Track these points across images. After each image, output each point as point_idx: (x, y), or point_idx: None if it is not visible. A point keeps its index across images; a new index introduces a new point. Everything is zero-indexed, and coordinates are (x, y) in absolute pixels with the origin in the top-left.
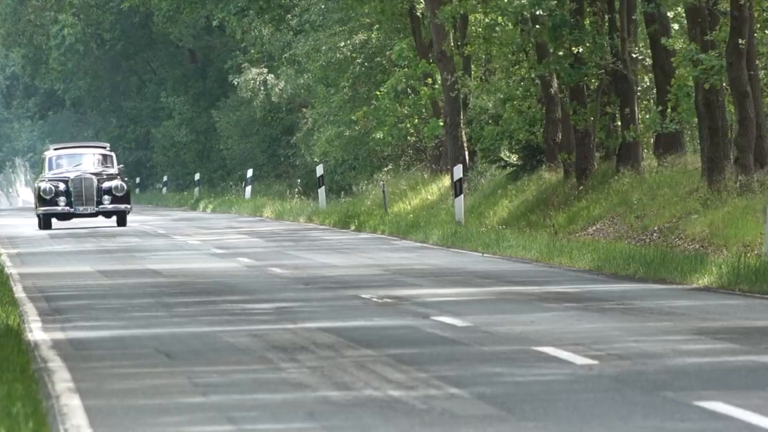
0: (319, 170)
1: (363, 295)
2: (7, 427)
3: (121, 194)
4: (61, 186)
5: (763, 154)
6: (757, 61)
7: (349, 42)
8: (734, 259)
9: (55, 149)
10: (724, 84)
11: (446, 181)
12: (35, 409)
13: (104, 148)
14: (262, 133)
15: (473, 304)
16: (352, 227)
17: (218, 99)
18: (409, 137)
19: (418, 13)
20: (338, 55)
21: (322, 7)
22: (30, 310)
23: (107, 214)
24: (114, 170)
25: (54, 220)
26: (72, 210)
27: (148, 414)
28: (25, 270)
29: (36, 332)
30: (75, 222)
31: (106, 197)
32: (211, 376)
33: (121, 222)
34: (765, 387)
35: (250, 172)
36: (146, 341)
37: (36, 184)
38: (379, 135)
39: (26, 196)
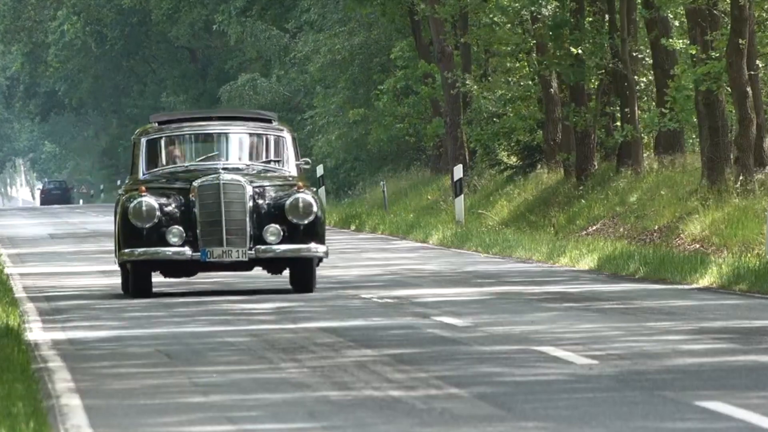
0: (319, 170)
1: (363, 295)
2: (8, 426)
3: (304, 221)
4: (174, 203)
5: (763, 154)
6: (757, 61)
7: (348, 43)
8: (734, 259)
9: (160, 124)
10: (724, 84)
11: (446, 181)
12: (36, 409)
13: (268, 121)
14: None
15: (473, 304)
16: (352, 227)
17: (218, 99)
18: (408, 137)
19: (417, 17)
20: (337, 56)
21: (323, 10)
22: (30, 310)
23: (273, 265)
24: (290, 168)
25: (157, 274)
26: (197, 256)
27: (148, 414)
28: (25, 270)
29: (36, 332)
30: (203, 279)
31: (272, 229)
32: (211, 376)
33: (305, 282)
34: (765, 387)
35: None
36: (146, 341)
37: (117, 197)
38: (378, 138)
39: (24, 195)
